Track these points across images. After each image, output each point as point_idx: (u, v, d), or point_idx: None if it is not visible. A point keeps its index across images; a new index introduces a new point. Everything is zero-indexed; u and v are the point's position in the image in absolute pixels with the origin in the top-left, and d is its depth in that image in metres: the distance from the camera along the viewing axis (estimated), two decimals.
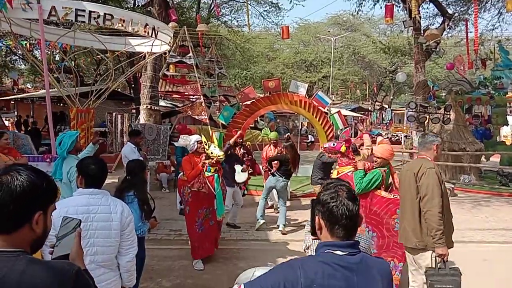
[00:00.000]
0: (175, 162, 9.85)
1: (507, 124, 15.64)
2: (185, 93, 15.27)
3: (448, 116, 11.49)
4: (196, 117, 13.35)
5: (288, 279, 1.57)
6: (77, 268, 1.36)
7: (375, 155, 4.63)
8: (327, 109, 19.45)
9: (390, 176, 4.62)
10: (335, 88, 39.95)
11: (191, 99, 15.89)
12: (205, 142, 5.45)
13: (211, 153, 5.35)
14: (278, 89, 10.77)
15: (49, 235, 1.44)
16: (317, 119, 10.67)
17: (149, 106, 11.00)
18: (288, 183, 7.69)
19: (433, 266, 3.45)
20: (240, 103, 11.18)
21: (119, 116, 15.59)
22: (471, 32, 12.81)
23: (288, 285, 1.56)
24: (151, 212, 3.65)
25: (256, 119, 17.30)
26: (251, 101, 10.75)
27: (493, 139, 13.89)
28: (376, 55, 31.86)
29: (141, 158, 5.85)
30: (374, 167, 4.61)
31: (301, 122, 29.20)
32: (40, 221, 1.35)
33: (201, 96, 13.45)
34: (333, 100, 36.08)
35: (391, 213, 4.36)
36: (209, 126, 12.72)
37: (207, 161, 5.36)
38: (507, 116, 16.17)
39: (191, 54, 13.81)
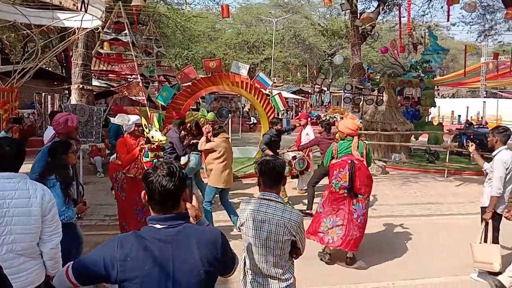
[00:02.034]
0: (110, 144, 9.43)
1: (434, 106, 16.71)
2: (121, 73, 14.56)
3: (381, 97, 12.03)
4: (133, 98, 12.82)
5: (107, 255, 1.68)
6: None
7: (338, 128, 5.37)
8: (269, 91, 19.61)
9: (352, 147, 5.04)
10: (277, 70, 40.29)
11: (128, 79, 15.21)
12: (145, 125, 5.10)
13: (152, 137, 5.00)
14: (219, 70, 10.59)
15: None
16: (259, 100, 10.67)
17: (80, 86, 10.37)
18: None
19: None
20: (180, 84, 10.88)
21: (49, 97, 14.59)
22: (404, 17, 13.44)
23: (107, 260, 1.67)
24: (79, 196, 3.44)
25: (197, 101, 17.04)
26: (191, 82, 10.49)
27: (422, 120, 14.79)
28: (316, 38, 32.47)
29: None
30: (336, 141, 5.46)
31: (244, 104, 29.24)
32: None
33: (138, 76, 12.90)
34: (275, 83, 36.44)
35: (331, 174, 5.06)
36: (147, 107, 12.29)
37: (146, 146, 5.02)
38: (435, 98, 17.29)
39: (127, 31, 13.14)
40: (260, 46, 35.32)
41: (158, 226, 1.74)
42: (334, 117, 27.62)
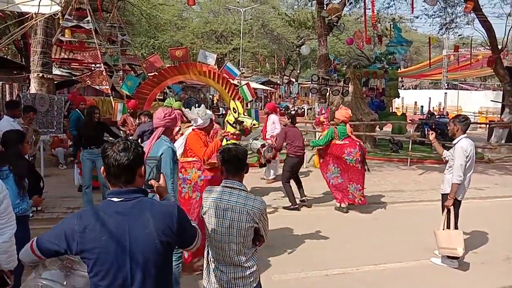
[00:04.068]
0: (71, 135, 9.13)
1: (398, 97, 17.14)
2: (84, 61, 14.08)
3: (347, 88, 12.23)
4: (97, 87, 12.45)
5: (68, 228, 1.80)
6: None
7: (335, 117, 6.91)
8: (237, 81, 19.52)
9: (347, 131, 6.73)
10: (245, 61, 40.15)
11: (91, 68, 14.72)
12: (234, 108, 5.07)
13: (242, 122, 4.95)
14: (186, 59, 10.41)
15: None
16: (227, 90, 10.57)
17: (40, 74, 9.93)
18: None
19: None
20: (146, 73, 10.63)
21: (7, 86, 13.92)
22: (369, 9, 13.64)
23: (68, 233, 1.79)
24: (37, 189, 3.30)
25: (164, 91, 16.74)
26: (157, 71, 10.27)
27: (386, 110, 15.13)
28: (284, 29, 32.48)
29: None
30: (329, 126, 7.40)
31: (212, 95, 28.99)
32: None
33: (102, 65, 12.52)
34: (244, 73, 36.34)
35: (341, 153, 6.68)
36: (111, 97, 11.95)
37: (228, 133, 4.73)
38: (399, 89, 17.74)
39: (89, 18, 12.68)
40: (228, 36, 35.01)
41: (115, 199, 1.84)
42: (302, 107, 27.90)
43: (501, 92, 15.86)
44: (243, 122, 5.05)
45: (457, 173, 4.53)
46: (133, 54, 19.79)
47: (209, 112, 4.58)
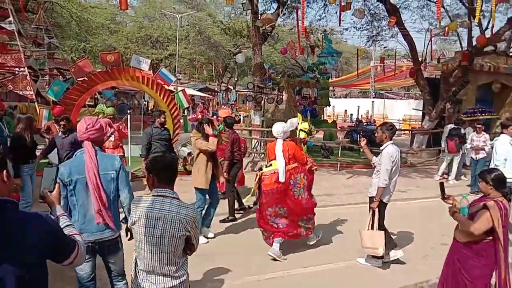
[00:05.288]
0: None
1: (329, 105, 17.95)
2: (6, 64, 13.08)
3: (281, 96, 12.59)
4: (20, 93, 11.63)
5: None
6: None
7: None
8: (174, 88, 19.25)
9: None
10: (182, 67, 39.67)
11: (14, 72, 13.72)
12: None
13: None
14: (117, 63, 10.12)
15: None
16: (162, 97, 10.40)
17: None
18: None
19: None
20: (75, 78, 10.16)
21: None
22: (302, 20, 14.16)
23: None
24: None
25: (95, 96, 16.03)
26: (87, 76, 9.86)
27: (318, 118, 15.79)
28: (221, 37, 32.64)
29: None
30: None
31: (147, 101, 28.26)
32: None
33: (26, 68, 11.74)
34: (180, 79, 35.89)
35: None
36: (36, 103, 11.24)
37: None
38: (330, 98, 18.59)
39: (11, 18, 11.86)
40: (164, 41, 34.42)
41: None
42: (239, 115, 28.10)
43: (422, 101, 17.14)
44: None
45: (383, 177, 4.76)
46: (62, 58, 18.81)
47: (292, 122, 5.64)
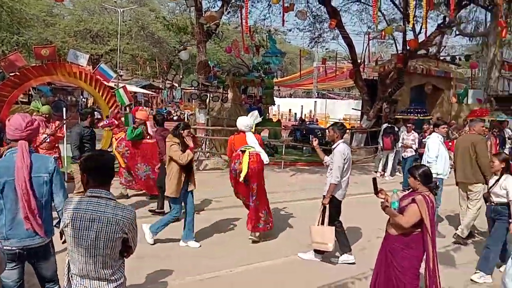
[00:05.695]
0: None
1: (274, 104, 18.23)
2: None
3: (226, 95, 12.59)
4: None
5: None
6: None
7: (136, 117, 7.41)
8: (115, 84, 18.53)
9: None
10: (124, 63, 38.41)
11: None
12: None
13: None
14: (53, 58, 9.57)
15: None
16: (101, 93, 9.98)
17: None
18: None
19: None
20: (5, 72, 9.46)
21: None
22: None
23: None
24: None
25: (30, 92, 15.10)
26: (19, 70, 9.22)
27: (263, 117, 15.96)
28: (165, 33, 31.97)
29: None
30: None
31: (86, 98, 27.06)
32: None
33: None
34: (122, 76, 34.71)
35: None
36: None
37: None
38: (275, 97, 18.89)
39: None
40: (104, 36, 33.13)
41: None
42: (184, 113, 27.73)
43: (361, 101, 17.90)
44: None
45: (335, 174, 4.88)
46: None
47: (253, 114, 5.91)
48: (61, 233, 2.89)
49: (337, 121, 7.03)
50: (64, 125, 8.12)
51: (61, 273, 2.63)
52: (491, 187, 5.06)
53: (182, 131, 5.31)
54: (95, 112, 22.54)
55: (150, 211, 6.87)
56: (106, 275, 2.42)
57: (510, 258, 2.15)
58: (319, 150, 5.41)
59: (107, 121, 8.21)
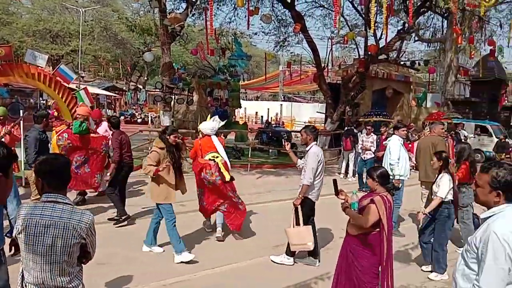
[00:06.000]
0: None
1: (240, 107, 18.26)
2: None
3: (192, 97, 12.50)
4: None
5: None
6: None
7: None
8: (76, 86, 18.00)
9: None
10: (86, 64, 37.36)
11: None
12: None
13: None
14: (9, 58, 9.24)
15: None
16: (61, 95, 9.69)
17: None
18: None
19: None
20: None
21: None
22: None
23: None
24: None
25: None
26: None
27: (229, 119, 15.96)
28: (128, 34, 31.40)
29: None
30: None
31: (46, 99, 26.15)
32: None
33: None
34: (84, 77, 33.75)
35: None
36: None
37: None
38: (242, 100, 18.92)
39: None
40: (65, 36, 32.10)
41: None
42: (148, 115, 27.29)
43: (325, 104, 18.22)
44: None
45: (308, 175, 4.94)
46: None
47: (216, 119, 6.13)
48: (11, 244, 2.78)
49: (308, 124, 7.17)
50: (21, 126, 7.79)
51: (14, 282, 2.53)
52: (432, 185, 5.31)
53: (168, 136, 5.20)
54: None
55: (109, 219, 6.56)
56: (63, 282, 2.35)
57: (460, 254, 2.26)
58: (292, 154, 5.46)
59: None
